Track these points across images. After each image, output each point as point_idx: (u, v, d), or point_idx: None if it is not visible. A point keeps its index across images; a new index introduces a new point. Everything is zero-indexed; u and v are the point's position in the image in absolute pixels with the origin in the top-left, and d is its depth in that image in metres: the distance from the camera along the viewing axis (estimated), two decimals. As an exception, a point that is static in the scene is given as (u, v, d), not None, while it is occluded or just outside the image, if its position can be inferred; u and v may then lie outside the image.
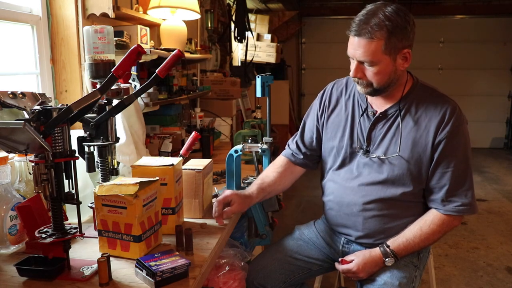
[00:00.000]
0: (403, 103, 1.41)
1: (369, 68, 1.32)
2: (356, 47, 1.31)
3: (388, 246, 1.40)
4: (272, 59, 5.51)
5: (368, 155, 1.44)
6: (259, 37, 5.55)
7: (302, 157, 1.62)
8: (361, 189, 1.45)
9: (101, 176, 1.28)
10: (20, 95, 1.08)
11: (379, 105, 1.45)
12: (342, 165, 1.52)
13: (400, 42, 1.29)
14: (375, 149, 1.44)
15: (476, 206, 1.40)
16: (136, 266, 1.06)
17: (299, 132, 1.66)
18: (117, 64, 1.12)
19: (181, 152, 1.57)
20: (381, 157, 1.42)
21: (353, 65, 1.36)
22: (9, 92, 1.05)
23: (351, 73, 1.37)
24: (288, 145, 1.67)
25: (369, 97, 1.48)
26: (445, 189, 1.38)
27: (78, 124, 1.24)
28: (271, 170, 1.60)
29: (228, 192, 1.44)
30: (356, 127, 1.48)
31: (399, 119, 1.40)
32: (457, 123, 1.36)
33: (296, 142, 1.64)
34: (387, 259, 1.39)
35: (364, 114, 1.47)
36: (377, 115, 1.44)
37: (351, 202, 1.47)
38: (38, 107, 1.05)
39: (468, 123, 1.42)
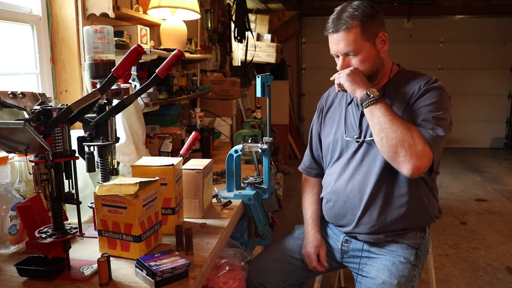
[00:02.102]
0: (388, 87, 1.48)
1: (354, 58, 1.42)
2: (337, 42, 1.42)
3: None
4: (272, 59, 5.51)
5: (359, 141, 1.49)
6: (259, 37, 5.55)
7: (316, 166, 1.72)
8: (356, 174, 1.48)
9: (101, 176, 1.28)
10: (20, 95, 1.08)
11: None
12: (337, 156, 1.57)
13: (374, 27, 1.40)
14: (365, 135, 1.48)
15: (430, 153, 1.29)
16: (136, 266, 1.06)
17: (308, 143, 1.76)
18: (117, 64, 1.12)
19: (181, 152, 1.57)
20: (369, 139, 1.45)
21: (339, 61, 1.45)
22: (9, 92, 1.05)
23: (339, 68, 1.45)
24: (304, 163, 1.77)
25: None
26: (421, 118, 1.34)
27: (78, 124, 1.24)
28: (312, 195, 1.71)
29: (311, 250, 1.58)
30: (348, 118, 1.54)
31: None
32: (430, 86, 1.40)
33: (308, 152, 1.75)
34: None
35: (352, 103, 1.54)
36: None
37: (347, 189, 1.50)
38: (38, 107, 1.04)
39: (450, 98, 1.42)
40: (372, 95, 1.34)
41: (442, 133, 1.30)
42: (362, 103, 1.36)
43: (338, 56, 1.45)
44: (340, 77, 1.40)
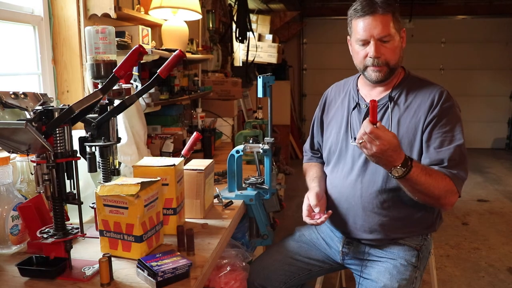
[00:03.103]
0: (394, 92, 1.46)
1: (386, 44, 1.37)
2: (373, 26, 1.34)
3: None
4: (273, 60, 5.51)
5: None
6: (260, 38, 5.55)
7: (319, 155, 1.74)
8: (359, 181, 1.47)
9: (103, 176, 1.28)
10: (22, 96, 1.08)
11: (371, 97, 1.50)
12: (339, 160, 1.55)
13: (400, 21, 1.39)
14: None
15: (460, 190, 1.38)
16: (137, 266, 1.06)
17: (309, 134, 1.78)
18: (118, 64, 1.13)
19: (183, 152, 1.57)
20: None
21: (370, 47, 1.37)
22: (11, 93, 1.06)
23: (372, 53, 1.37)
24: (305, 151, 1.80)
25: (362, 91, 1.54)
26: (443, 164, 1.36)
27: (80, 124, 1.24)
28: (315, 170, 1.68)
29: (314, 200, 1.49)
30: (350, 121, 1.53)
31: (390, 108, 1.44)
32: (446, 105, 1.39)
33: (310, 142, 1.77)
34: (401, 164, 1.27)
35: (357, 107, 1.52)
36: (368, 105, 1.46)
37: (350, 195, 1.48)
38: (40, 107, 1.05)
39: (461, 111, 1.43)
40: (397, 175, 1.27)
41: (465, 176, 1.37)
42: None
43: (366, 44, 1.38)
44: (368, 150, 1.24)
